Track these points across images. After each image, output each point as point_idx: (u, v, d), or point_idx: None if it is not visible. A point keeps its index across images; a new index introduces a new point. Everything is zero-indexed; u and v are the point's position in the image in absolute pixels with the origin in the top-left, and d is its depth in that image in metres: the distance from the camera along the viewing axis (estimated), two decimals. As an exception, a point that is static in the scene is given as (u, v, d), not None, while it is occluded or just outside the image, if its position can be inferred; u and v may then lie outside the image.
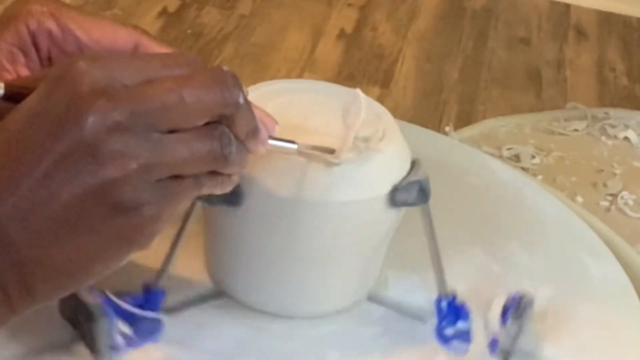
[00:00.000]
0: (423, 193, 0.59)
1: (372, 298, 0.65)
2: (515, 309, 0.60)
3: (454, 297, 0.61)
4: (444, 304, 0.61)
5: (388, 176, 0.58)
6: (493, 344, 0.60)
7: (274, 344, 0.61)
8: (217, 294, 0.63)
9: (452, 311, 0.61)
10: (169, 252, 0.59)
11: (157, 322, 0.57)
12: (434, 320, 0.61)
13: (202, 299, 0.62)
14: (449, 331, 0.61)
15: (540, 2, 2.14)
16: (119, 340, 0.55)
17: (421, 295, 0.64)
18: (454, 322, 0.61)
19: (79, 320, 0.56)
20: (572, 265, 0.71)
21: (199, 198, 0.57)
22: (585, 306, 0.66)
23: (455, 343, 0.60)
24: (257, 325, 0.61)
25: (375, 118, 0.61)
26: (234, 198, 0.56)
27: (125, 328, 0.55)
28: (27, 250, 0.43)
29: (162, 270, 0.59)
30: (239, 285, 0.63)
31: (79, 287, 0.46)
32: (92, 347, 0.55)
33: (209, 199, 0.57)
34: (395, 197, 0.58)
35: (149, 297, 0.57)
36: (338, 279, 0.62)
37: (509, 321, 0.59)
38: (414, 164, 0.60)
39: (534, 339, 0.62)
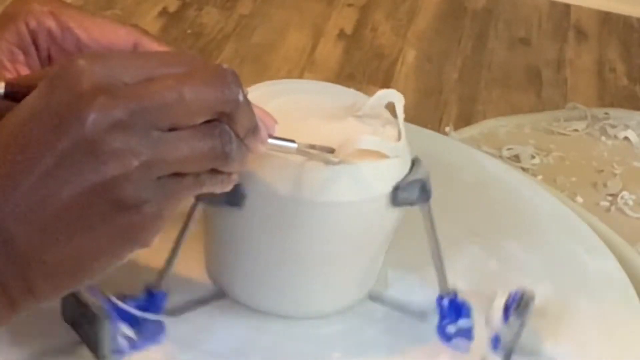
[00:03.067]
0: (424, 192, 0.59)
1: (373, 297, 0.65)
2: (517, 305, 0.60)
3: (455, 295, 0.61)
4: (445, 302, 0.61)
5: (389, 175, 0.58)
6: (495, 341, 0.60)
7: (276, 344, 0.60)
8: (218, 295, 0.63)
9: (453, 309, 0.61)
10: (171, 254, 0.59)
11: (160, 324, 0.57)
12: (435, 319, 0.61)
13: (203, 301, 0.62)
14: (451, 329, 0.61)
15: (540, 2, 2.14)
16: (122, 343, 0.55)
17: (422, 294, 0.64)
18: (455, 320, 0.61)
19: (82, 323, 0.56)
20: (570, 263, 0.71)
21: (201, 199, 0.57)
22: (583, 303, 0.67)
23: (457, 341, 0.60)
24: (259, 326, 0.61)
25: (376, 117, 0.61)
26: (235, 199, 0.56)
27: (128, 331, 0.55)
28: (29, 249, 0.43)
29: (164, 272, 0.58)
30: (240, 286, 0.62)
31: (81, 285, 0.46)
32: (95, 350, 0.55)
33: (210, 200, 0.56)
34: (397, 197, 0.58)
35: (151, 299, 0.57)
36: (339, 278, 0.62)
37: (511, 318, 0.59)
38: (414, 163, 0.60)
39: (534, 335, 0.62)
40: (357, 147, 0.56)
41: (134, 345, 0.56)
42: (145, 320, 0.56)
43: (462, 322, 0.60)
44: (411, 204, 0.59)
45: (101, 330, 0.54)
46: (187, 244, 0.59)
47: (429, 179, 0.59)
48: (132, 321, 0.55)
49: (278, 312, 0.62)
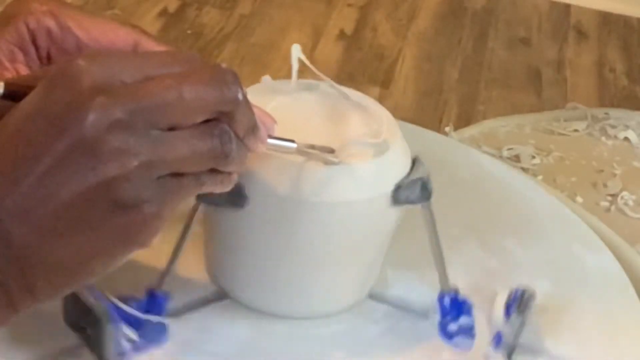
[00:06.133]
0: (425, 190, 0.59)
1: (373, 296, 0.65)
2: (518, 303, 0.60)
3: (456, 293, 0.61)
4: (446, 300, 0.61)
5: (391, 175, 0.58)
6: (497, 339, 0.60)
7: (278, 345, 0.60)
8: (220, 296, 0.63)
9: (454, 307, 0.61)
10: (172, 255, 0.58)
11: (162, 326, 0.57)
12: (436, 317, 0.61)
13: (205, 302, 0.62)
14: (453, 327, 0.61)
15: (540, 2, 2.14)
16: (125, 345, 0.55)
17: (422, 292, 0.64)
18: (456, 318, 0.61)
19: (84, 326, 0.55)
20: (569, 261, 0.71)
21: (202, 200, 0.56)
22: (582, 301, 0.67)
23: (459, 339, 0.61)
24: (261, 327, 0.61)
25: (375, 117, 0.61)
26: (237, 200, 0.56)
27: (131, 333, 0.55)
28: (28, 249, 0.43)
29: (165, 274, 0.58)
30: (242, 287, 0.62)
31: (80, 285, 0.46)
32: (98, 352, 0.55)
33: (213, 201, 0.56)
34: (399, 195, 0.58)
35: (153, 301, 0.57)
36: (342, 278, 0.62)
37: (513, 316, 0.59)
38: (415, 162, 0.60)
39: (536, 333, 0.62)
40: (351, 150, 0.56)
41: (137, 348, 0.55)
42: (147, 322, 0.56)
43: (463, 320, 0.61)
44: (412, 202, 0.59)
45: (104, 332, 0.54)
46: (187, 244, 0.59)
47: (429, 178, 0.59)
48: (134, 323, 0.55)
49: (279, 312, 0.62)
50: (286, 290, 0.62)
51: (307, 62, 0.61)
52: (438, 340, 0.61)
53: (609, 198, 1.39)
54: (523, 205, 0.77)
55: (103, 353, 0.55)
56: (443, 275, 0.62)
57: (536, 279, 0.66)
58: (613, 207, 1.37)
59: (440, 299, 0.61)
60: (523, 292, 0.61)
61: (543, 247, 0.72)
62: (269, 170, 0.56)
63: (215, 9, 1.96)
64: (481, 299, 0.62)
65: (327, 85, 0.63)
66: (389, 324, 0.63)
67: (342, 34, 1.93)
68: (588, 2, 2.13)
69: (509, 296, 0.61)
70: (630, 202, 1.38)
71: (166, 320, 0.57)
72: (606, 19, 2.11)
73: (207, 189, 0.47)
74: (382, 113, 0.62)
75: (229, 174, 0.48)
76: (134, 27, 0.56)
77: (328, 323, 0.63)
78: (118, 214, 0.43)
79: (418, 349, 0.61)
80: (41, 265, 0.44)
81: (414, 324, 0.63)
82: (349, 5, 2.04)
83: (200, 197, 0.56)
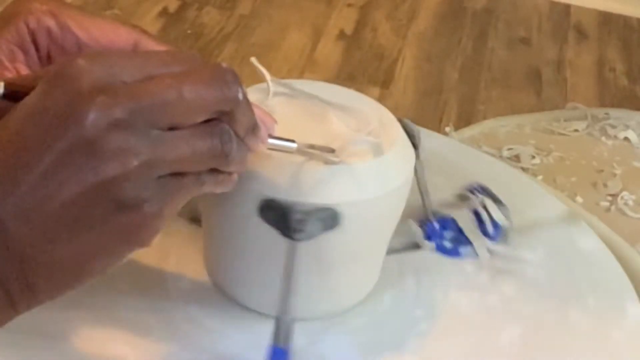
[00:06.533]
0: (419, 140, 0.63)
1: None
2: (488, 195, 0.65)
3: (437, 214, 0.65)
4: (430, 224, 0.65)
5: (392, 174, 0.59)
6: (496, 231, 0.62)
7: (383, 340, 0.61)
8: (291, 320, 0.60)
9: (440, 226, 0.65)
10: (281, 306, 0.57)
11: None
12: (427, 244, 0.65)
13: (287, 333, 0.59)
14: (447, 244, 0.64)
15: (540, 2, 2.14)
16: None
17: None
18: (444, 235, 0.65)
19: None
20: (568, 259, 0.71)
21: (301, 239, 0.56)
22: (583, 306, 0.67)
23: (463, 250, 0.64)
24: (349, 334, 0.62)
25: (358, 114, 0.61)
26: (333, 222, 0.56)
27: None
28: (29, 248, 0.43)
29: (281, 328, 0.56)
30: (244, 290, 0.62)
31: (81, 285, 0.46)
32: None
33: (311, 235, 0.56)
34: (418, 154, 0.62)
35: (277, 358, 0.55)
36: (342, 278, 0.62)
37: (499, 206, 0.64)
38: (402, 123, 0.62)
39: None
40: (351, 150, 0.56)
41: None
42: None
43: (450, 234, 0.65)
44: (419, 154, 0.62)
45: None
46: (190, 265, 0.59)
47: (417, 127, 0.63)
48: None
49: (330, 313, 0.62)
50: (337, 290, 0.62)
51: (266, 72, 0.63)
52: (453, 260, 0.65)
53: (609, 198, 1.39)
54: (524, 205, 0.77)
55: None
56: (428, 206, 0.65)
57: (538, 277, 0.67)
58: (613, 207, 1.37)
59: (429, 225, 0.65)
60: (480, 186, 0.65)
61: (544, 248, 0.72)
62: (268, 170, 0.56)
63: (215, 9, 1.96)
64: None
65: (297, 88, 0.63)
66: (412, 272, 0.65)
67: (342, 34, 1.93)
68: (588, 2, 2.13)
69: (473, 193, 0.65)
70: (630, 202, 1.38)
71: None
72: (606, 19, 2.10)
73: (208, 188, 0.47)
74: (382, 112, 0.62)
75: (230, 173, 0.48)
76: (134, 26, 0.56)
77: (370, 302, 0.64)
78: (118, 214, 0.43)
79: (452, 276, 0.65)
80: (42, 264, 0.44)
81: (425, 259, 0.66)
82: (349, 5, 2.04)
83: (297, 236, 0.55)
